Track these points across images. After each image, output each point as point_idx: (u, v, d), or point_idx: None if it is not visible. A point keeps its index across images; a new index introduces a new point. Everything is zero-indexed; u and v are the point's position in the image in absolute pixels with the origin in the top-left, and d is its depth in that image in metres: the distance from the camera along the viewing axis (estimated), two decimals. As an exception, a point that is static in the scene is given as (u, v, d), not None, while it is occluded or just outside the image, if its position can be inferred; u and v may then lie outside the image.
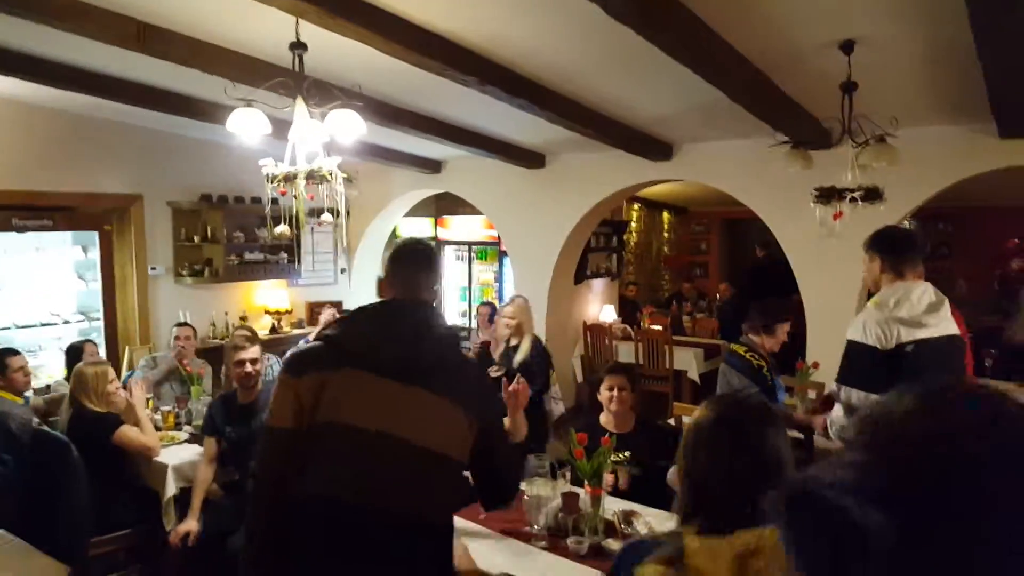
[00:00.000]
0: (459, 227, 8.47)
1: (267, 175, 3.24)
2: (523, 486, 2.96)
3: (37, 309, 5.69)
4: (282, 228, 3.29)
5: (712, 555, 0.92)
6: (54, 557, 2.46)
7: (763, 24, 3.14)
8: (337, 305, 7.53)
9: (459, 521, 2.75)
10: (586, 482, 2.70)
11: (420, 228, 8.70)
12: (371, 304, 1.93)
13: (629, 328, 7.61)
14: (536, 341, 4.81)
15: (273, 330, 6.96)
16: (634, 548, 1.48)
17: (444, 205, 8.48)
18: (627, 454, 3.21)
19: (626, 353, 7.27)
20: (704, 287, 10.48)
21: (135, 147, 6.17)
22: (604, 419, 3.37)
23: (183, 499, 3.60)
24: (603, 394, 3.33)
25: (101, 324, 5.96)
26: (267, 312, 7.15)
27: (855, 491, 0.57)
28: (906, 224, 6.75)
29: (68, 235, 5.87)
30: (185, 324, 5.04)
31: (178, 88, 4.91)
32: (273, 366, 4.74)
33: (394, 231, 8.67)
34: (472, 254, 8.41)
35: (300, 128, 3.26)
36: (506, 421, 3.04)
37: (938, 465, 0.56)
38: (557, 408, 5.61)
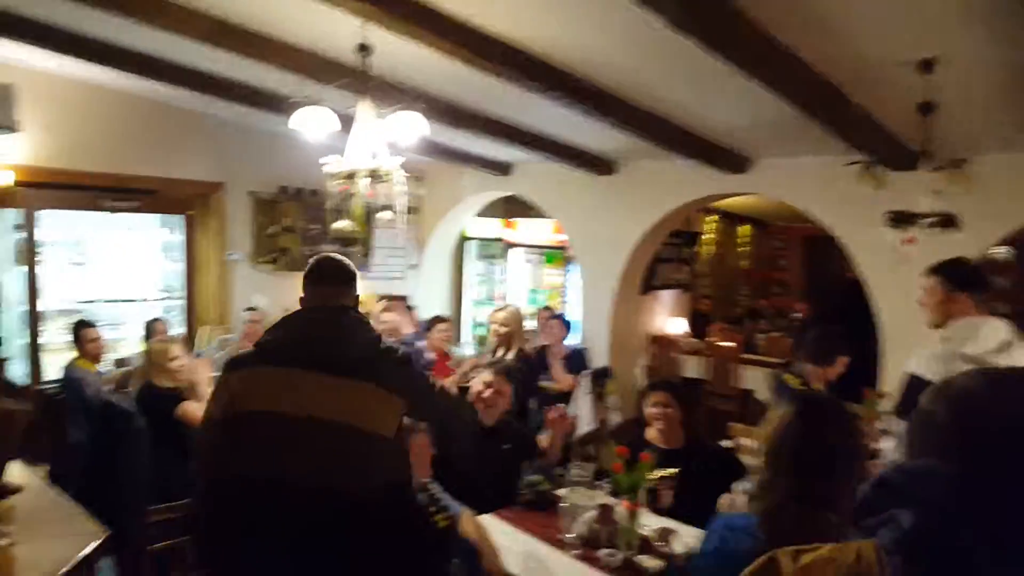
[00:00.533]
0: (527, 230, 8.47)
1: (330, 172, 3.34)
2: (561, 492, 2.96)
3: (123, 285, 6.03)
4: (341, 224, 3.37)
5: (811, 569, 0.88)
6: (109, 518, 2.59)
7: (837, 39, 3.02)
8: (400, 299, 7.69)
9: (493, 522, 2.77)
10: (623, 496, 2.66)
11: (488, 229, 8.75)
12: (293, 314, 2.19)
13: (698, 342, 7.44)
14: (573, 350, 4.75)
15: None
16: (729, 524, 1.62)
17: (514, 208, 8.49)
18: (673, 471, 3.15)
19: (693, 368, 7.13)
20: (782, 305, 10.12)
21: (220, 137, 6.46)
22: (651, 434, 3.31)
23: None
24: (648, 410, 3.27)
25: (181, 303, 6.26)
26: (337, 302, 7.34)
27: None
28: (1000, 253, 6.36)
29: (156, 217, 6.19)
30: (254, 309, 5.25)
31: (256, 83, 5.11)
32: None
33: (463, 231, 8.77)
34: (539, 257, 8.40)
35: (363, 128, 3.35)
36: (544, 439, 3.08)
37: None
38: (614, 418, 5.56)
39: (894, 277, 4.79)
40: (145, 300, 6.07)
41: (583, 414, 5.02)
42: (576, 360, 5.21)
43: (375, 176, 3.30)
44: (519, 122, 5.52)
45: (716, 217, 9.81)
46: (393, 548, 1.93)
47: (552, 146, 6.03)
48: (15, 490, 2.05)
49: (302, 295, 2.21)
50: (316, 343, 2.02)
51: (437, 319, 5.49)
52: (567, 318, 5.63)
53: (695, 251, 8.39)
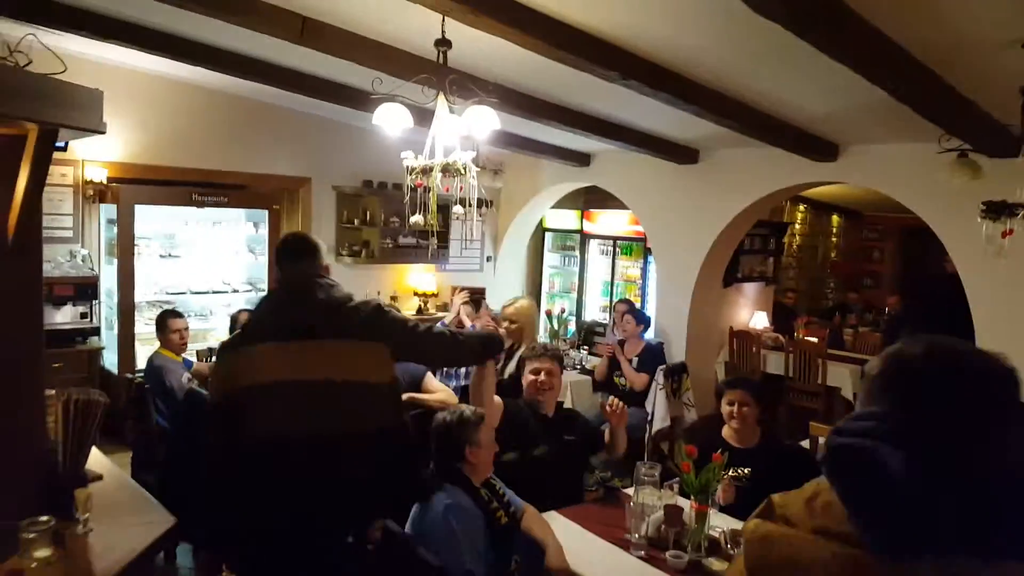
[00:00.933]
0: (605, 221, 8.39)
1: (407, 167, 3.39)
2: (629, 491, 2.92)
3: (211, 277, 6.32)
4: (416, 218, 3.42)
5: (788, 500, 1.07)
6: (189, 505, 2.72)
7: (932, 18, 2.83)
8: (479, 291, 7.75)
9: (560, 520, 2.76)
10: (692, 497, 2.60)
11: (566, 220, 8.72)
12: (266, 295, 2.51)
13: (781, 337, 7.20)
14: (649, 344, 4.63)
15: (419, 311, 7.27)
16: None
17: (592, 199, 8.42)
18: (746, 471, 3.07)
19: (776, 364, 6.90)
20: (873, 299, 9.68)
21: (306, 133, 6.67)
22: (727, 432, 3.23)
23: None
24: (724, 408, 3.18)
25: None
26: (415, 294, 7.49)
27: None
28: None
29: (242, 212, 6.45)
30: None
31: (340, 79, 5.24)
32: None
33: (541, 222, 8.76)
34: (617, 249, 8.30)
35: (440, 122, 3.38)
36: (606, 433, 3.06)
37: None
38: (689, 415, 5.45)
39: (990, 270, 4.49)
40: (234, 291, 6.34)
41: (657, 411, 4.95)
42: (650, 356, 5.12)
43: (448, 170, 3.33)
44: (598, 111, 5.45)
45: (804, 207, 9.46)
46: (386, 482, 2.23)
47: (633, 135, 5.93)
48: (95, 478, 2.19)
49: (278, 272, 2.48)
50: (291, 315, 2.25)
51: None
52: (644, 312, 5.54)
53: (782, 242, 8.08)
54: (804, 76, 3.92)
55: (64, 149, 5.22)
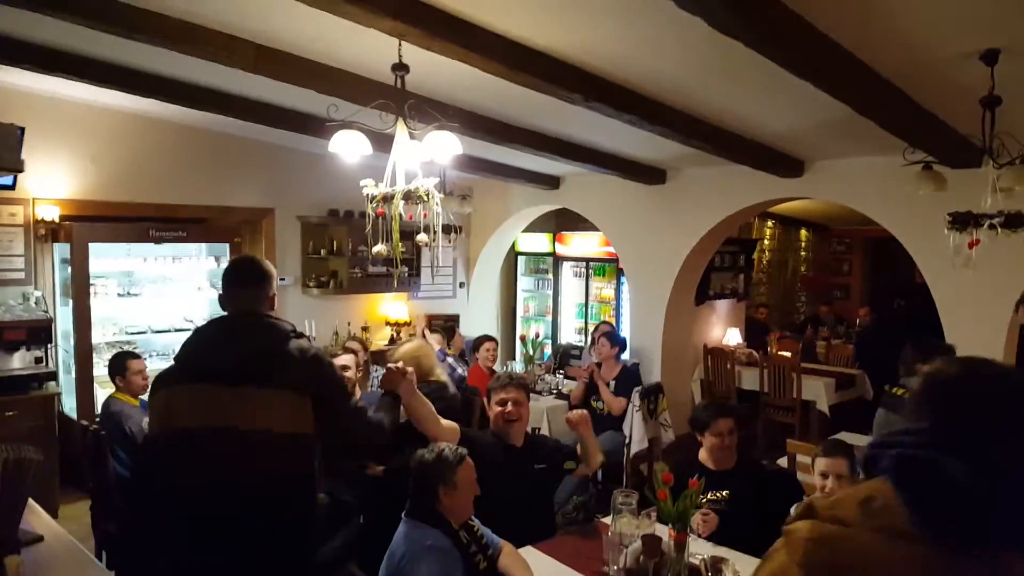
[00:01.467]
0: (577, 244, 8.35)
1: (367, 195, 3.30)
2: (608, 521, 2.82)
3: (173, 315, 6.13)
4: (379, 247, 3.33)
5: (838, 503, 1.08)
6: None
7: (891, 33, 2.83)
8: (452, 318, 7.65)
9: (536, 555, 2.65)
10: (670, 526, 2.51)
11: (538, 244, 8.67)
12: (205, 324, 2.38)
13: (755, 353, 7.18)
14: None
15: (392, 341, 7.14)
16: None
17: (564, 221, 8.39)
18: (724, 494, 2.99)
19: (750, 379, 6.87)
20: (843, 311, 9.74)
21: (267, 163, 6.55)
22: (703, 455, 3.15)
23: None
24: (710, 440, 3.09)
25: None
26: (387, 323, 7.36)
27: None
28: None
29: (204, 246, 6.29)
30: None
31: (298, 106, 5.14)
32: (376, 378, 4.83)
33: (513, 245, 8.70)
34: (590, 271, 8.26)
35: (400, 148, 3.30)
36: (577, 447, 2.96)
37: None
38: (667, 436, 5.37)
39: (957, 281, 4.50)
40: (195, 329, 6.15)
41: (635, 433, 4.86)
42: (628, 379, 5.05)
43: (411, 197, 3.24)
44: (565, 134, 5.42)
45: (772, 223, 9.52)
46: (286, 531, 2.14)
47: (600, 157, 5.91)
48: (33, 540, 2.04)
49: (221, 293, 2.35)
50: (225, 356, 2.16)
51: (483, 338, 5.41)
52: (619, 335, 5.47)
53: (752, 258, 8.10)
54: (766, 93, 3.91)
55: (12, 188, 5.07)
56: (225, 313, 2.31)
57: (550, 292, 8.63)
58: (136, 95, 4.80)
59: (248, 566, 2.09)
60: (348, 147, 3.30)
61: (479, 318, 8.22)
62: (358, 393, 3.90)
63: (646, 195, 6.67)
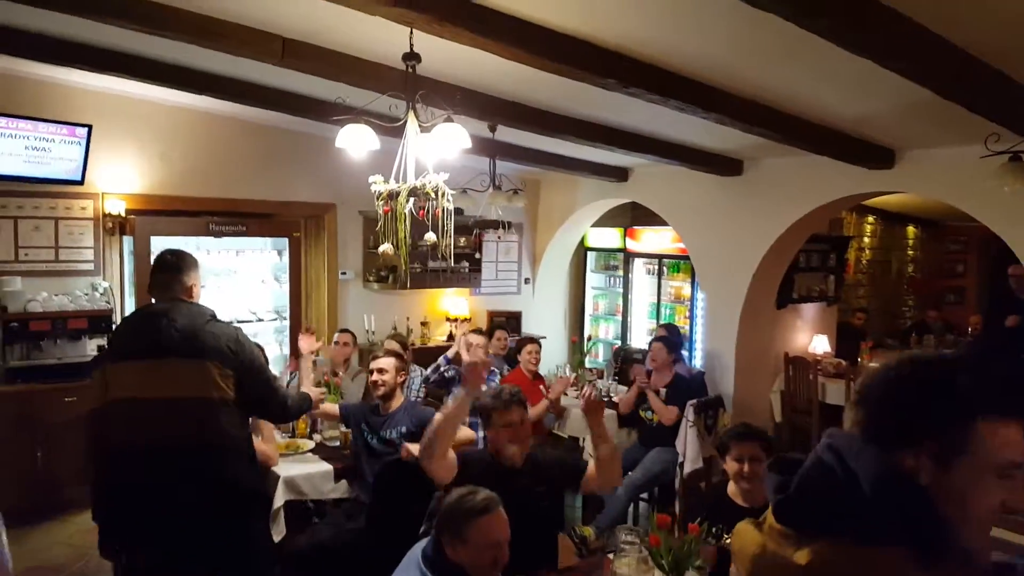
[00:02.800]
0: (650, 239, 7.91)
1: (375, 192, 3.13)
2: (610, 557, 2.51)
3: (237, 307, 6.22)
4: (385, 247, 3.16)
5: None
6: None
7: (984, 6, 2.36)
8: (514, 316, 7.44)
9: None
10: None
11: (609, 239, 8.28)
12: (130, 313, 2.95)
13: (843, 363, 6.56)
14: None
15: (450, 336, 7.00)
16: None
17: (638, 215, 7.97)
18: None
19: (836, 393, 6.28)
20: (955, 317, 8.79)
21: (330, 158, 6.49)
22: (732, 489, 2.78)
23: (294, 510, 3.63)
24: (730, 465, 2.73)
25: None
26: (447, 319, 7.23)
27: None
28: None
29: (268, 240, 6.35)
30: (345, 331, 5.20)
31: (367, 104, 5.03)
32: (416, 379, 4.67)
33: (583, 241, 8.37)
34: (663, 268, 7.80)
35: (409, 142, 3.11)
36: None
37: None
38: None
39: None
40: (259, 320, 6.23)
41: (688, 451, 4.47)
42: (681, 388, 4.64)
43: (417, 194, 3.04)
44: (620, 123, 5.07)
45: (873, 219, 8.71)
46: (221, 492, 2.52)
47: (665, 147, 5.51)
48: None
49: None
50: (151, 337, 2.52)
51: (526, 340, 5.15)
52: (678, 340, 5.05)
53: (844, 258, 7.41)
54: (849, 78, 3.45)
55: (81, 183, 5.25)
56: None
57: (621, 290, 8.23)
58: (185, 91, 4.84)
59: (190, 514, 2.47)
60: (355, 142, 3.15)
61: (544, 316, 7.96)
62: (399, 399, 3.77)
63: (720, 187, 6.20)
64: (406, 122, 3.09)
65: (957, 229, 9.61)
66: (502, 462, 2.78)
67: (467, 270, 7.11)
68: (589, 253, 8.55)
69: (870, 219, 8.67)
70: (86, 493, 4.27)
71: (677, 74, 3.64)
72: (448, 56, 3.46)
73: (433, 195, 3.04)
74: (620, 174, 6.94)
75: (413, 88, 3.12)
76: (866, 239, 8.67)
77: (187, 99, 5.39)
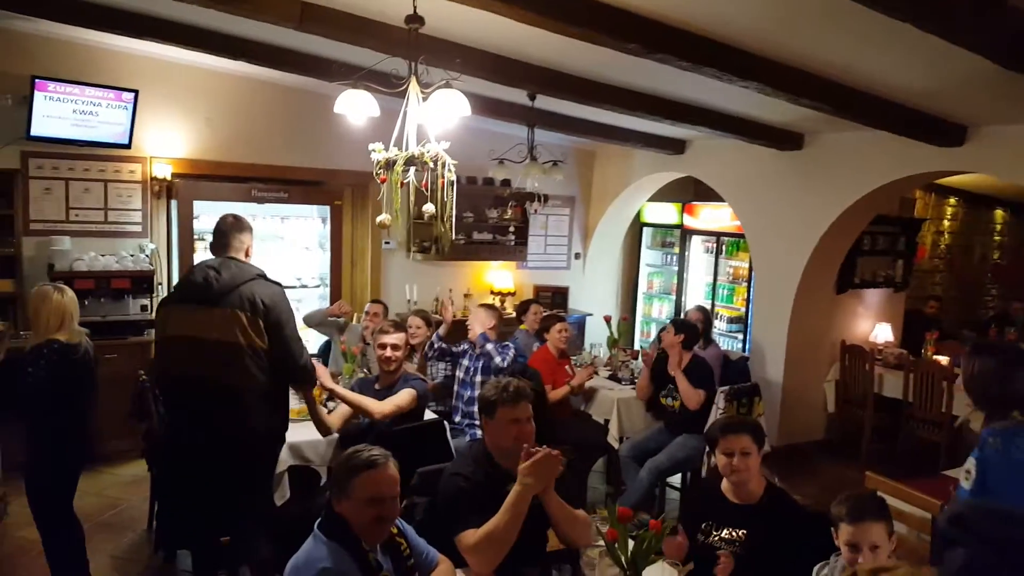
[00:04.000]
0: (709, 215, 7.55)
1: (375, 160, 3.05)
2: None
3: (282, 273, 6.30)
4: (383, 217, 3.08)
5: None
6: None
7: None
8: (561, 291, 7.29)
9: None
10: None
11: (666, 214, 7.97)
12: (194, 264, 3.37)
13: (905, 353, 6.12)
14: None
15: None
16: None
17: (699, 190, 7.63)
18: (742, 533, 2.44)
19: (893, 385, 5.87)
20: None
21: (375, 127, 6.47)
22: (725, 485, 2.59)
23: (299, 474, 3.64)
24: (720, 459, 2.54)
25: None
26: (492, 292, 7.15)
27: None
28: None
29: (314, 208, 6.40)
30: (377, 301, 5.18)
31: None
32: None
33: (638, 216, 8.09)
34: (721, 246, 7.45)
35: (411, 108, 3.00)
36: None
37: None
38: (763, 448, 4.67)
39: None
40: (303, 287, 6.30)
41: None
42: (700, 370, 4.37)
43: (415, 163, 2.93)
44: (670, 93, 4.81)
45: (955, 200, 8.07)
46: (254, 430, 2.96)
47: (719, 119, 5.23)
48: None
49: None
50: (200, 287, 2.93)
51: (554, 318, 4.97)
52: (690, 323, 4.76)
53: (915, 242, 6.90)
54: (880, 42, 3.13)
55: (128, 146, 5.38)
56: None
57: (676, 268, 7.93)
58: (220, 56, 4.87)
59: (221, 436, 2.89)
60: (355, 108, 3.08)
61: (595, 292, 7.77)
62: (399, 372, 3.71)
63: (778, 162, 5.85)
64: (407, 88, 2.98)
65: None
66: (498, 467, 2.43)
67: (513, 243, 6.99)
68: (645, 229, 8.27)
69: (951, 201, 8.03)
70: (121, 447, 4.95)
71: (710, 39, 3.39)
72: (469, 18, 3.33)
73: (432, 164, 2.92)
74: (675, 146, 6.65)
75: (416, 51, 3.01)
76: (945, 222, 8.04)
77: (232, 66, 5.42)
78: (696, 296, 7.76)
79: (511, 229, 6.94)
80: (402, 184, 3.04)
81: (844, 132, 5.27)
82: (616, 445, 4.61)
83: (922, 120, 4.47)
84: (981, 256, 8.70)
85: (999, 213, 8.71)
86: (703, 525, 2.52)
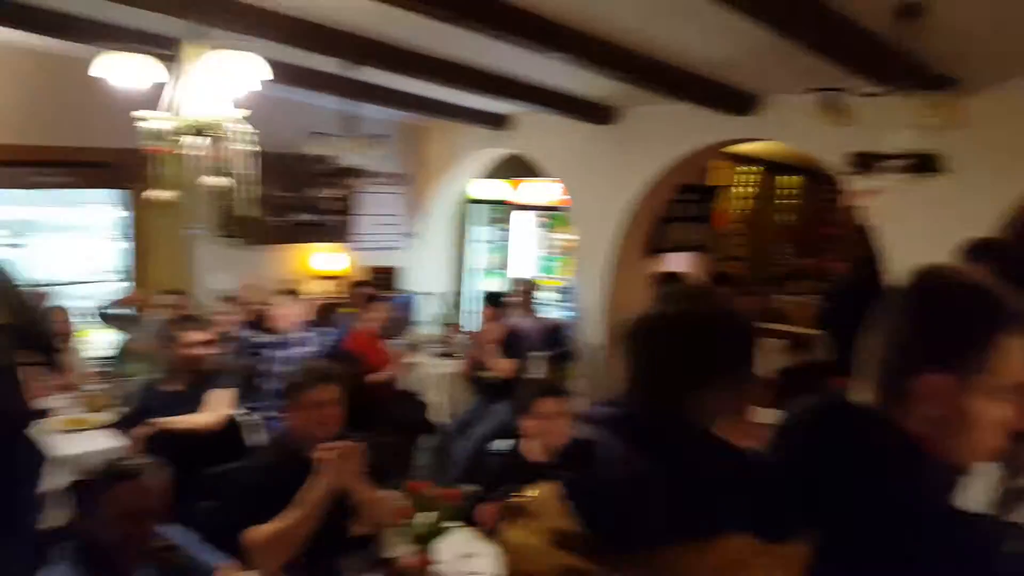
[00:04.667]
0: (535, 190, 7.70)
1: (145, 129, 2.77)
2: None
3: (77, 267, 5.69)
4: (154, 193, 2.81)
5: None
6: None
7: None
8: (387, 271, 7.15)
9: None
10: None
11: (492, 190, 8.03)
12: None
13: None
14: None
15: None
16: None
17: (528, 166, 7.72)
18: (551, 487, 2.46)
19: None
20: (828, 265, 8.99)
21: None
22: (526, 445, 2.62)
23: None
24: (530, 424, 2.55)
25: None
26: (321, 277, 6.86)
27: None
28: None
29: (111, 193, 5.81)
30: (176, 292, 4.79)
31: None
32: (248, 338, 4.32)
33: (469, 192, 8.10)
34: (549, 220, 7.63)
35: (186, 71, 2.75)
36: None
37: None
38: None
39: (901, 231, 3.80)
40: (96, 281, 5.72)
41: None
42: (514, 340, 4.46)
43: (203, 132, 2.70)
44: (491, 67, 4.80)
45: (752, 168, 8.76)
46: None
47: (535, 93, 5.31)
48: None
49: None
50: None
51: (372, 298, 4.86)
52: (499, 295, 4.88)
53: (711, 207, 7.45)
54: (693, 17, 3.27)
55: None
56: None
57: (505, 244, 8.04)
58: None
59: None
60: (130, 75, 2.78)
61: (428, 271, 7.70)
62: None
63: (594, 137, 6.05)
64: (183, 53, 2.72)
65: (833, 179, 9.80)
66: (301, 453, 2.26)
67: (342, 224, 6.74)
68: (475, 205, 8.28)
69: (752, 169, 8.71)
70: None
71: (515, 7, 3.38)
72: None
73: (227, 134, 2.70)
74: (496, 121, 6.68)
75: (198, 11, 2.76)
76: (744, 188, 8.73)
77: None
78: (526, 270, 7.90)
79: (338, 209, 6.68)
80: (176, 153, 2.74)
81: (652, 105, 5.51)
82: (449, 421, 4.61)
83: (719, 90, 4.77)
84: (777, 219, 9.54)
85: (793, 179, 9.57)
86: (505, 488, 2.53)
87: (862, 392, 0.93)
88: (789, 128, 4.88)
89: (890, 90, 2.52)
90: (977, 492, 1.07)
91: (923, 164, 2.20)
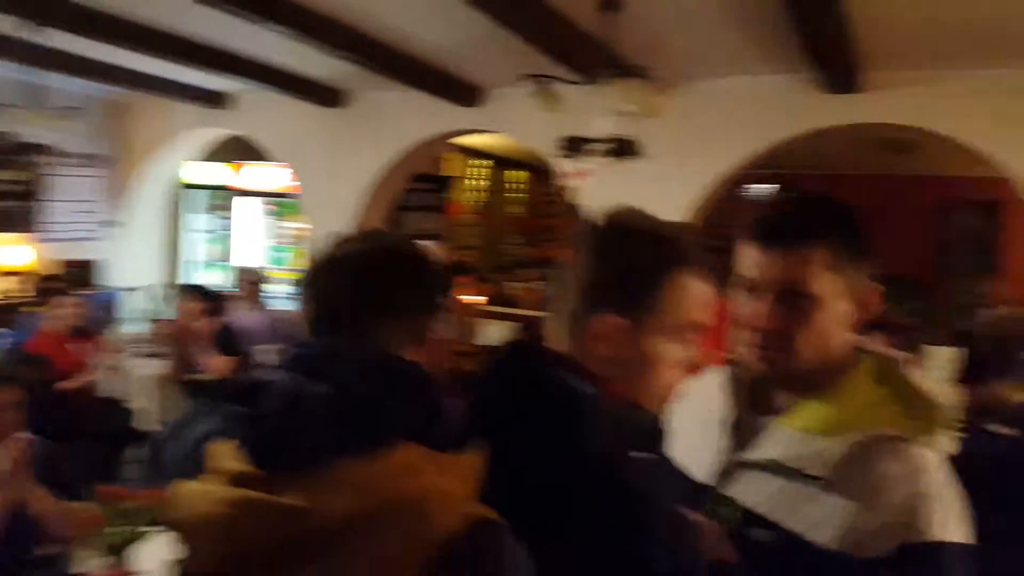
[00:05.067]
0: (265, 176, 7.25)
1: None
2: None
3: None
4: None
5: None
6: None
7: None
8: (83, 264, 6.31)
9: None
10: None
11: (212, 175, 7.41)
12: None
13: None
14: None
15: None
16: None
17: (254, 149, 7.22)
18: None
19: (440, 326, 6.41)
20: (553, 254, 9.72)
21: None
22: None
23: None
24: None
25: None
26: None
27: None
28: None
29: None
30: None
31: None
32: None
33: (183, 177, 7.39)
34: (276, 208, 7.23)
35: None
36: None
37: None
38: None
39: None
40: None
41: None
42: (226, 336, 4.19)
43: None
44: (209, 39, 4.39)
45: (483, 161, 9.15)
46: None
47: (263, 72, 5.00)
48: None
49: None
50: None
51: (52, 295, 4.24)
52: (209, 290, 4.59)
53: (445, 197, 7.66)
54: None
55: None
56: None
57: (228, 233, 7.47)
58: None
59: None
60: None
61: (136, 264, 6.88)
62: None
63: (326, 121, 5.89)
64: None
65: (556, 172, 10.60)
66: None
67: (25, 210, 5.75)
68: (191, 191, 7.57)
69: (480, 162, 9.07)
70: None
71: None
72: None
73: None
74: (213, 99, 6.16)
75: None
76: (476, 181, 9.07)
77: None
78: (253, 261, 7.42)
79: (20, 192, 5.69)
80: None
81: (383, 91, 5.47)
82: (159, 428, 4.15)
83: (446, 80, 4.86)
84: (507, 211, 10.07)
85: (522, 174, 10.15)
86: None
87: (553, 332, 0.96)
88: (511, 121, 5.15)
89: (592, 79, 2.75)
90: (703, 462, 1.12)
91: (622, 149, 2.44)
